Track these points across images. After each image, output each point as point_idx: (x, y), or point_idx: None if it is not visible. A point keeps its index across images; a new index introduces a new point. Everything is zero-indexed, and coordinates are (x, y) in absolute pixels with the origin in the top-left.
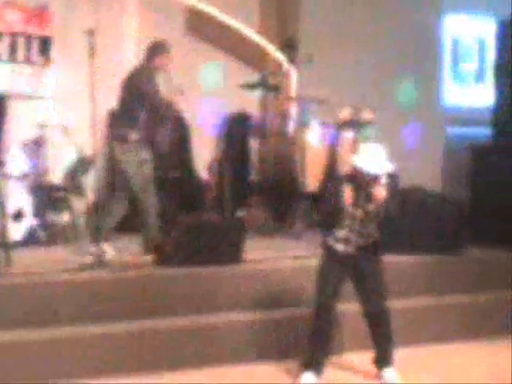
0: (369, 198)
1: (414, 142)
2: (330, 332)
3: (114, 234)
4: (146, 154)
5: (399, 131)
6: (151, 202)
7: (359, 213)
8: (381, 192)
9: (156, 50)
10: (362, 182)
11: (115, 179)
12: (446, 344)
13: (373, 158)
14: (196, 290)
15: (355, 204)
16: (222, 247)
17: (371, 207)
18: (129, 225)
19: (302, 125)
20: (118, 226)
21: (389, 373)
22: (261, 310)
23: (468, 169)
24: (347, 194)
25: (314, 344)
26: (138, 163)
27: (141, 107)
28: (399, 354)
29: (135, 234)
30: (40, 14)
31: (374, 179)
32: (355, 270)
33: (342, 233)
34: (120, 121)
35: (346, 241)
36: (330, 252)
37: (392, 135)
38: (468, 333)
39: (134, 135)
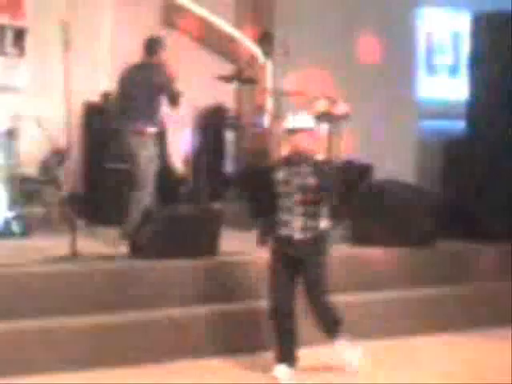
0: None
1: (388, 135)
2: (292, 327)
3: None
4: (156, 150)
5: (373, 124)
6: (145, 201)
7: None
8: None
9: (157, 44)
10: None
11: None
12: (416, 337)
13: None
14: (169, 281)
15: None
16: (198, 239)
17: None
18: (103, 216)
19: (277, 117)
20: (92, 218)
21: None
22: (236, 301)
23: (441, 162)
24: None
25: (279, 340)
26: (150, 158)
27: (159, 101)
28: (370, 345)
29: (110, 226)
30: (14, 5)
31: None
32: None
33: (284, 216)
34: (136, 114)
35: (285, 223)
36: (275, 241)
37: (366, 128)
38: (438, 326)
39: (152, 129)
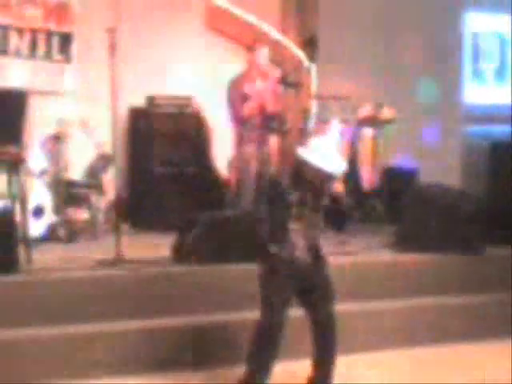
0: (317, 195)
1: (434, 140)
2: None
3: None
4: None
5: (419, 129)
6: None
7: (307, 212)
8: (338, 187)
9: None
10: (313, 179)
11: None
12: (468, 342)
13: (327, 155)
14: (218, 287)
15: (303, 203)
16: (244, 244)
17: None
18: (148, 221)
19: (323, 122)
20: (137, 223)
21: None
22: None
23: (487, 167)
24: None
25: (259, 360)
26: None
27: None
28: (406, 353)
29: (153, 232)
30: (60, 11)
31: (329, 178)
32: (304, 279)
33: (287, 237)
34: None
35: (293, 245)
36: (275, 262)
37: (412, 133)
38: (487, 332)
39: None
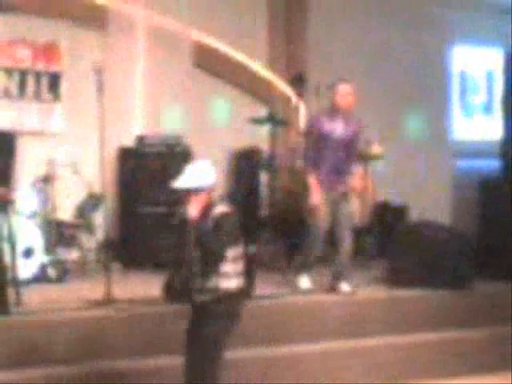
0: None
1: (422, 175)
2: None
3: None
4: None
5: (408, 164)
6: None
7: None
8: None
9: None
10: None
11: None
12: (457, 378)
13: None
14: None
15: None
16: None
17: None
18: (139, 260)
19: None
20: (128, 262)
21: None
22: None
23: (477, 202)
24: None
25: None
26: None
27: None
28: None
29: (143, 271)
30: (49, 50)
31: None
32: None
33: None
34: None
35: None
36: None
37: (401, 168)
38: (477, 367)
39: None
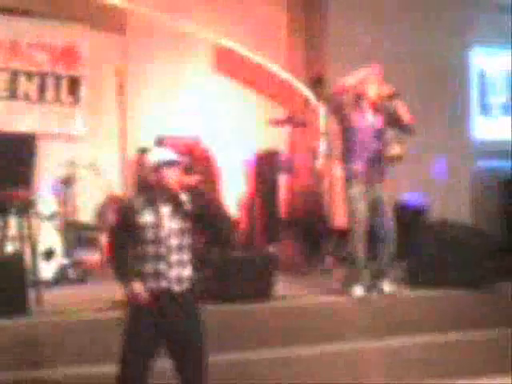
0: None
1: (442, 176)
2: None
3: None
4: None
5: (428, 165)
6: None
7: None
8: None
9: None
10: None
11: None
12: (481, 378)
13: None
14: (223, 326)
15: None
16: (252, 283)
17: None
18: None
19: (330, 160)
20: None
21: None
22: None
23: (497, 201)
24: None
25: None
26: None
27: None
28: None
29: None
30: (68, 54)
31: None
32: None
33: (148, 266)
34: None
35: (157, 275)
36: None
37: (421, 169)
38: (502, 367)
39: None
